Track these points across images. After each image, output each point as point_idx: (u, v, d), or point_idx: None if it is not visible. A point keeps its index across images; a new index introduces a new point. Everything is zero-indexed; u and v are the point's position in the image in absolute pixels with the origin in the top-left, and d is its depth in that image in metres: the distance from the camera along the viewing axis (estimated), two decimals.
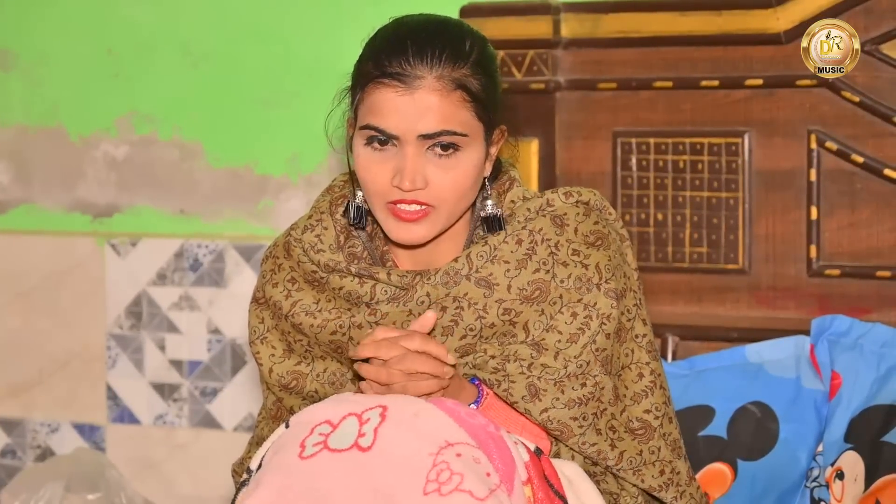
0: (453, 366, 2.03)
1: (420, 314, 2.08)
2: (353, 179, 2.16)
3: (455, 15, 2.80)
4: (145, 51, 3.22)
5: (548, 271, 2.10)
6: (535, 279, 2.10)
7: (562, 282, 2.10)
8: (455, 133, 2.05)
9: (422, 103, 2.04)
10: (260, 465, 1.98)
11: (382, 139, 2.06)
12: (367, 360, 2.03)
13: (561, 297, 2.10)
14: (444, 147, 2.06)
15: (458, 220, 2.14)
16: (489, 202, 2.15)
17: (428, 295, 2.09)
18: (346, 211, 2.17)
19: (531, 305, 2.10)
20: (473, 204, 2.17)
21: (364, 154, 2.09)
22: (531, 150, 2.78)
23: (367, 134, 2.07)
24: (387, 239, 2.18)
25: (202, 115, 3.20)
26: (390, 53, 2.06)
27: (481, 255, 2.10)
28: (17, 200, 3.36)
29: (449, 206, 2.09)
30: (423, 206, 2.07)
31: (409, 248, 2.16)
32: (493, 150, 2.15)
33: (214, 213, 3.21)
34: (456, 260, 2.11)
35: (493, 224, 2.14)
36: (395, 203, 2.08)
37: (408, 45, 2.05)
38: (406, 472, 1.87)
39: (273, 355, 2.22)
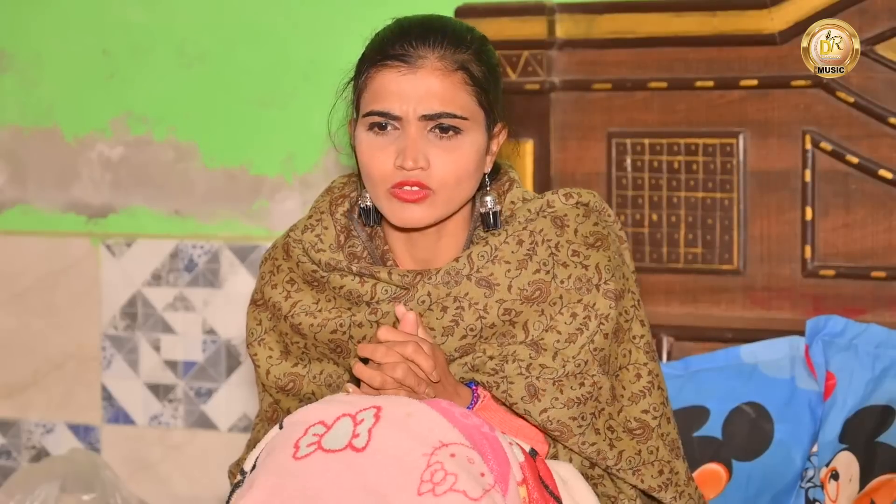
0: (437, 382, 2.03)
1: (421, 314, 2.09)
2: (360, 180, 2.16)
3: (450, 15, 2.80)
4: (140, 51, 3.22)
5: (548, 272, 2.11)
6: (535, 279, 2.10)
7: (562, 282, 2.11)
8: (455, 116, 2.07)
9: (423, 84, 2.06)
10: (254, 466, 1.98)
11: (383, 124, 2.08)
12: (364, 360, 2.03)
13: (561, 297, 2.10)
14: (445, 129, 2.08)
15: (456, 213, 2.15)
16: (489, 198, 2.16)
17: (429, 294, 2.10)
18: (358, 214, 2.17)
19: (531, 306, 2.10)
20: (473, 202, 2.17)
21: (366, 140, 2.10)
22: (526, 150, 2.79)
23: (370, 121, 2.09)
24: (387, 238, 2.18)
25: (197, 115, 3.20)
26: (394, 40, 2.09)
27: (482, 255, 2.11)
28: (11, 201, 3.35)
29: (448, 191, 2.09)
30: (424, 189, 2.08)
31: (408, 230, 2.14)
32: (495, 146, 2.16)
33: (209, 214, 3.21)
34: (457, 260, 2.11)
35: (491, 221, 2.14)
36: (397, 186, 2.08)
37: (411, 31, 2.09)
38: (400, 472, 1.87)
39: (270, 357, 2.22)
